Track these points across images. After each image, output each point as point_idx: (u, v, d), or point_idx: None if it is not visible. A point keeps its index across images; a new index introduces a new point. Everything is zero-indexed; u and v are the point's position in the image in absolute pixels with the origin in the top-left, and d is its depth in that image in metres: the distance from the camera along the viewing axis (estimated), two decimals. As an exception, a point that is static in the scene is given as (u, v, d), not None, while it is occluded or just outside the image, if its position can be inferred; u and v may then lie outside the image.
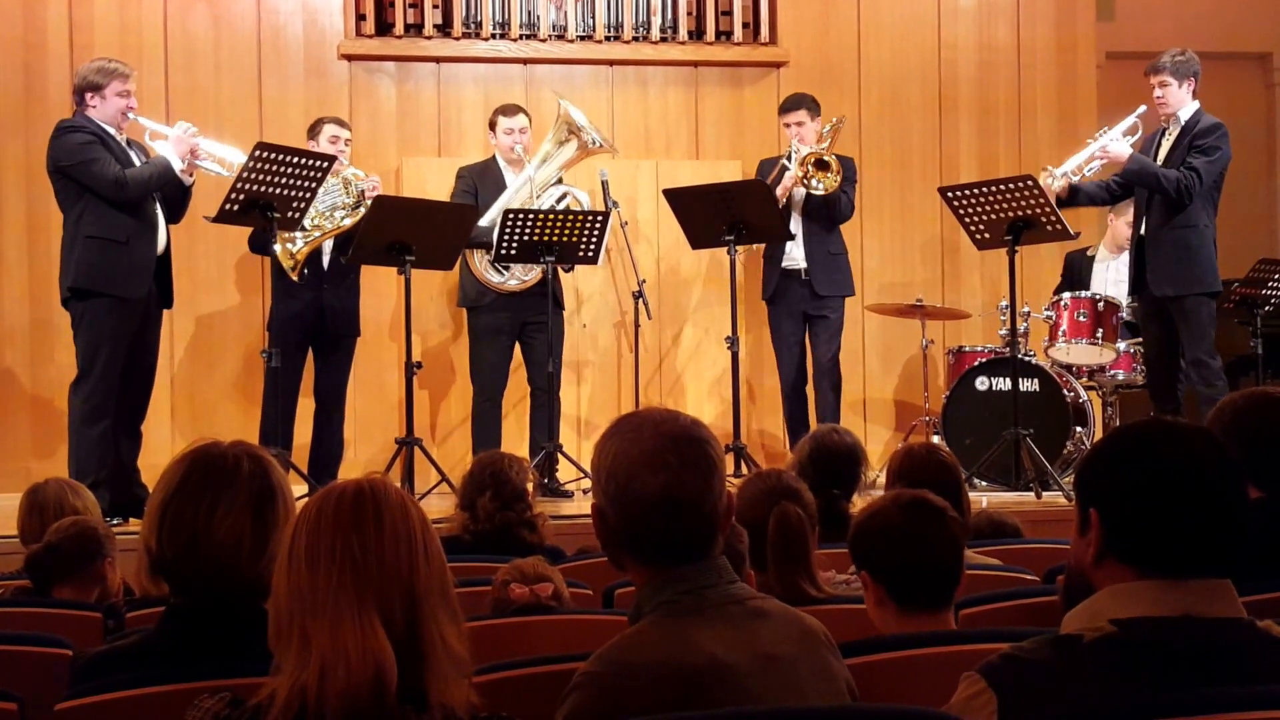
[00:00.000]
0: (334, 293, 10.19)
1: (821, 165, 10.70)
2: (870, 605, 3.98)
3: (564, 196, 10.65)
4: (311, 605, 2.66)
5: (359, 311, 10.41)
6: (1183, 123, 9.93)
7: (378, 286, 11.33)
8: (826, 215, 10.95)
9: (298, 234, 9.77)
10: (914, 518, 3.98)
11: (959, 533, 4.02)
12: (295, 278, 9.78)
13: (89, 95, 9.18)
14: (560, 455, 10.21)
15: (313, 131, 10.38)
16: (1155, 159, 9.96)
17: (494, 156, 10.88)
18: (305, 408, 10.34)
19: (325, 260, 10.18)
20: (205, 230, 10.08)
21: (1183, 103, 9.94)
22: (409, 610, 2.69)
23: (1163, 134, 10.07)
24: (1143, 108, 10.03)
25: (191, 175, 9.33)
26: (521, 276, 10.46)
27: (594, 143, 10.64)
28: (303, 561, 2.70)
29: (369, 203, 9.96)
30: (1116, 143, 9.93)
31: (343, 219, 10.02)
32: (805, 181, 10.68)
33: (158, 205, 9.30)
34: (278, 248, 9.77)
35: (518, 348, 10.71)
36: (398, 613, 2.68)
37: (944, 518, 3.99)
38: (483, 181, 10.74)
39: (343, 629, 2.63)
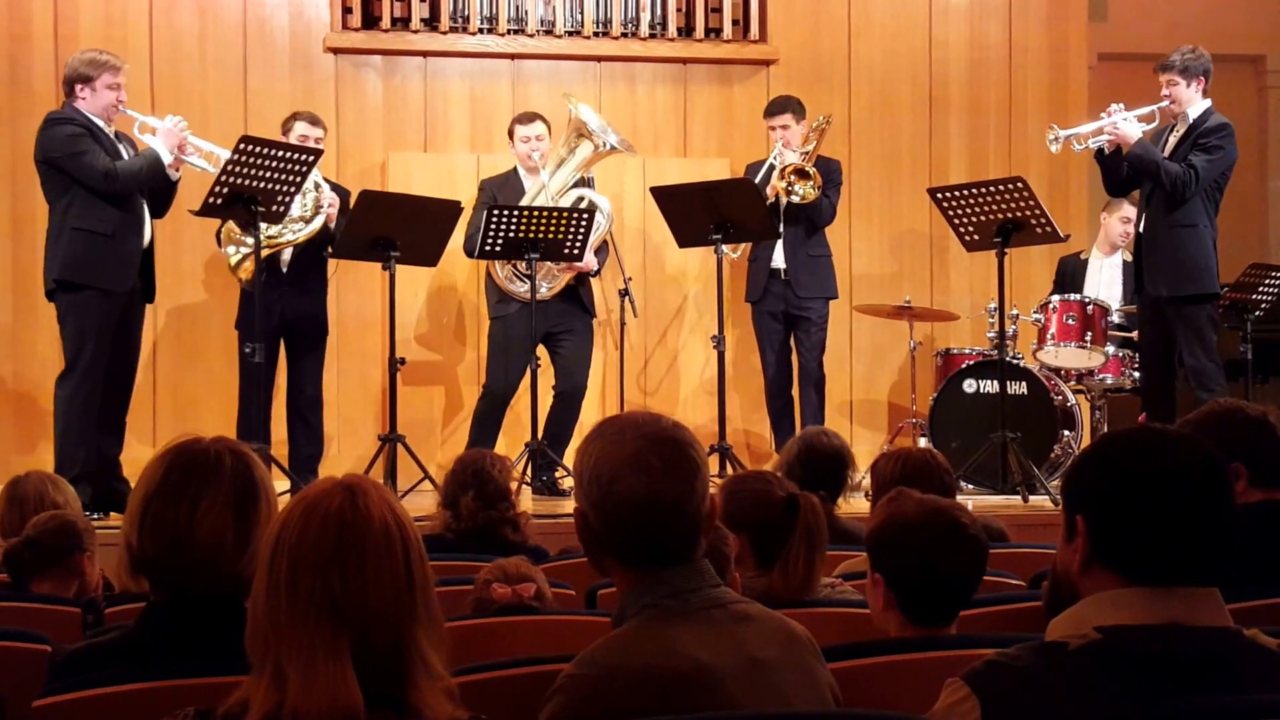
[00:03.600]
0: (295, 294, 10.13)
1: (802, 174, 10.68)
2: (875, 606, 3.96)
3: (580, 200, 10.61)
4: (289, 641, 2.62)
5: (326, 312, 10.35)
6: (1190, 120, 9.85)
7: (363, 282, 11.31)
8: (807, 220, 10.93)
9: (244, 246, 9.70)
10: (946, 543, 3.95)
11: (983, 558, 4.04)
12: (240, 279, 9.68)
13: (79, 87, 9.15)
14: (546, 454, 10.20)
15: (285, 128, 10.29)
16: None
17: (515, 167, 10.88)
18: (281, 407, 10.34)
19: (284, 264, 10.12)
20: (189, 224, 10.05)
21: (1191, 101, 9.85)
22: (392, 639, 2.66)
23: (1171, 130, 10.01)
24: (1165, 101, 9.95)
25: (178, 170, 9.30)
26: (545, 285, 10.40)
27: (605, 145, 10.58)
28: (282, 589, 2.65)
29: (323, 215, 9.94)
30: (1128, 123, 9.80)
31: (299, 231, 9.94)
32: (787, 191, 10.67)
33: (144, 199, 9.28)
34: (230, 250, 9.74)
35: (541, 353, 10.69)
36: (379, 642, 2.64)
37: (975, 545, 3.99)
38: (503, 192, 10.70)
39: (315, 675, 2.58)
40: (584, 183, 10.73)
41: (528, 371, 10.16)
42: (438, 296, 11.46)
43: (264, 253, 9.69)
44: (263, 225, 9.34)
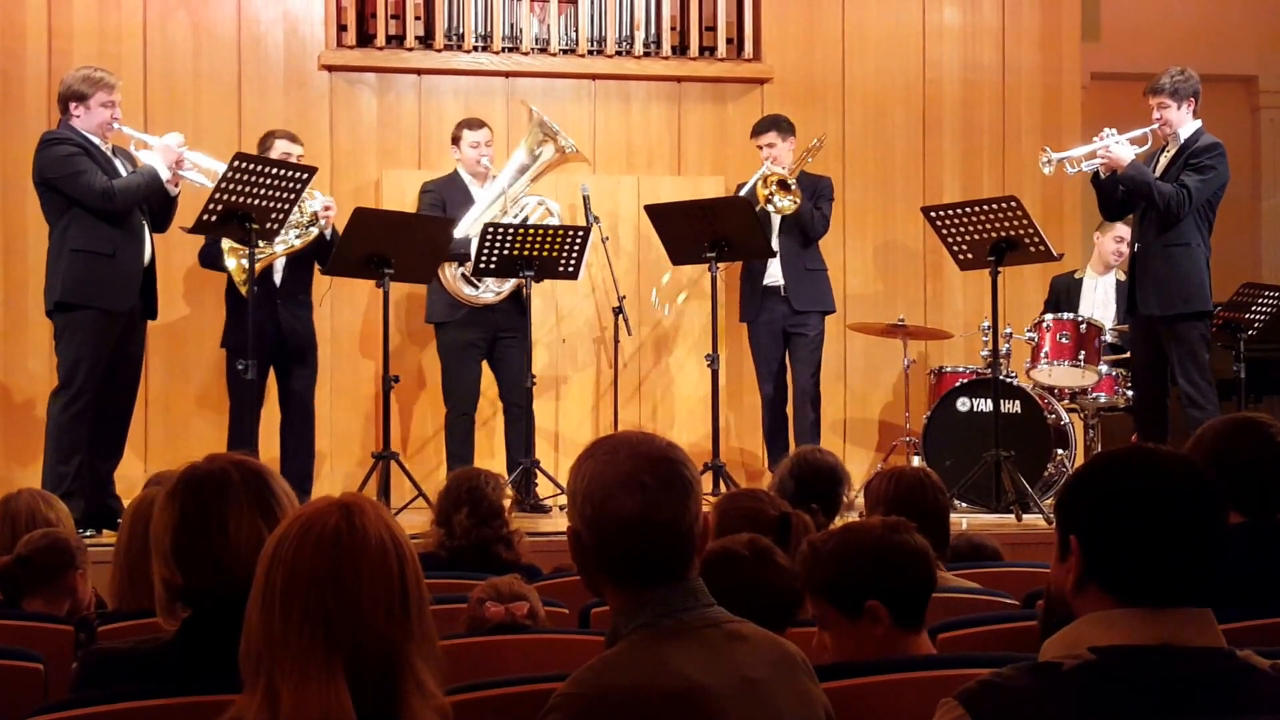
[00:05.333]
0: (288, 309, 10.13)
1: (784, 186, 10.72)
2: (855, 632, 3.94)
3: (538, 206, 10.66)
4: (281, 656, 2.62)
5: (313, 326, 10.35)
6: (1181, 140, 9.88)
7: (352, 298, 11.30)
8: (800, 232, 10.95)
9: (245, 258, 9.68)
10: (907, 540, 4.01)
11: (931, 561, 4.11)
12: (244, 292, 9.65)
13: (73, 105, 9.12)
14: (538, 471, 10.20)
15: (263, 146, 10.22)
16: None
17: (456, 170, 10.89)
18: (273, 422, 10.32)
19: (277, 278, 10.12)
20: (181, 241, 10.02)
21: (1183, 123, 9.88)
22: (385, 657, 2.67)
23: (1162, 151, 10.03)
24: (1156, 124, 9.96)
25: (177, 185, 9.28)
26: (495, 289, 10.44)
27: (570, 147, 10.64)
28: (276, 606, 2.66)
29: (322, 223, 9.95)
30: (1120, 145, 9.83)
31: (294, 238, 9.95)
32: (767, 199, 10.70)
33: (143, 216, 9.27)
34: (231, 263, 9.72)
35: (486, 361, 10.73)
36: (373, 660, 2.65)
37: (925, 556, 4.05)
38: (449, 195, 10.74)
39: (308, 692, 2.59)
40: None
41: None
42: (418, 313, 11.41)
43: (261, 263, 9.73)
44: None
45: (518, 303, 10.57)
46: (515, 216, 10.50)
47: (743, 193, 10.84)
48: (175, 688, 3.22)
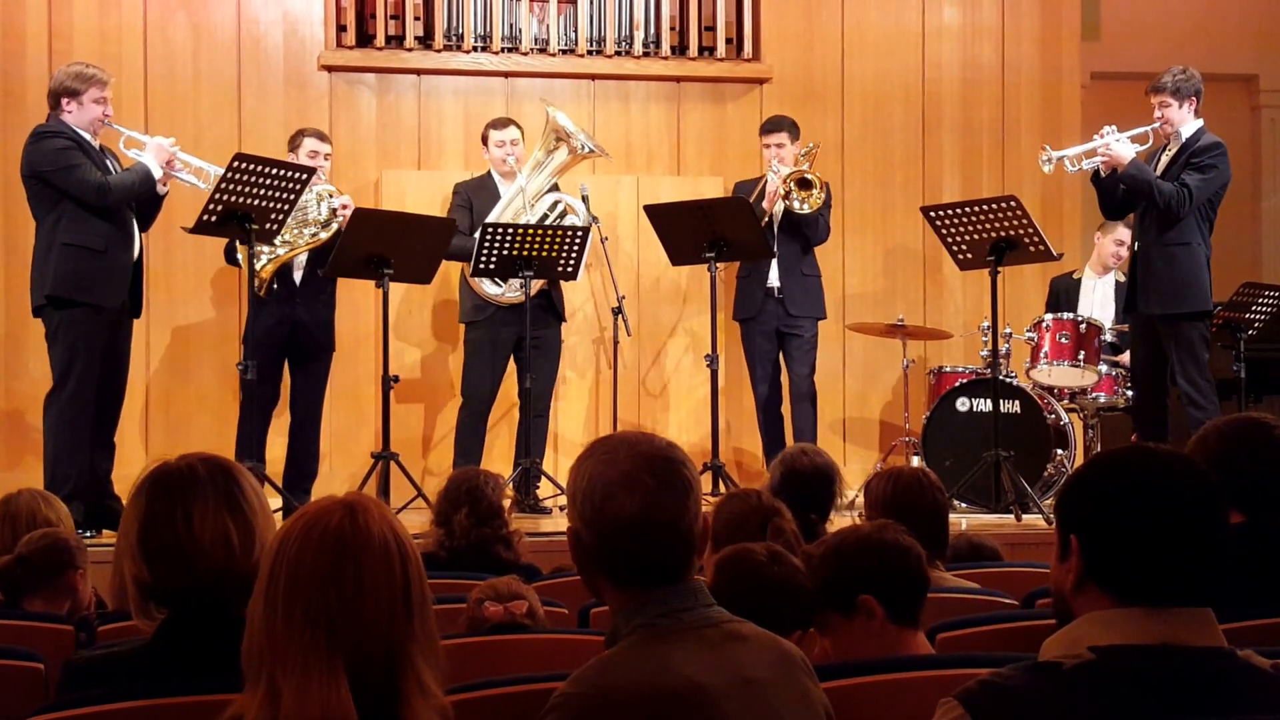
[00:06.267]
0: (306, 307, 10.15)
1: (804, 184, 10.67)
2: (851, 629, 3.97)
3: (557, 204, 10.68)
4: (283, 654, 2.63)
5: (334, 325, 10.38)
6: (1183, 139, 9.88)
7: (357, 299, 11.29)
8: (803, 236, 10.94)
9: (264, 249, 9.67)
10: (895, 537, 4.08)
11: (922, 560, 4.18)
12: (262, 294, 9.66)
13: (65, 101, 9.12)
14: (539, 472, 10.20)
15: (293, 144, 10.34)
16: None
17: (489, 171, 10.90)
18: (282, 421, 10.32)
19: (297, 275, 10.14)
20: (182, 241, 10.03)
21: (1184, 122, 9.88)
22: (387, 656, 2.67)
23: (1163, 150, 10.03)
24: (1157, 122, 9.96)
25: (166, 185, 9.29)
26: (520, 288, 10.42)
27: (583, 147, 10.65)
28: (279, 604, 2.66)
29: (339, 220, 9.95)
30: (1121, 143, 9.83)
31: (314, 234, 9.98)
32: (788, 200, 10.66)
33: (132, 213, 9.26)
34: (240, 257, 9.73)
35: (511, 362, 10.71)
36: (375, 659, 2.66)
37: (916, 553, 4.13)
38: (478, 195, 10.77)
39: (309, 690, 2.60)
40: (556, 187, 10.82)
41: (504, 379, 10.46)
42: (443, 312, 11.43)
43: (276, 262, 9.77)
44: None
45: (549, 303, 10.63)
46: (534, 215, 10.49)
47: (755, 193, 10.83)
48: (159, 688, 3.21)
